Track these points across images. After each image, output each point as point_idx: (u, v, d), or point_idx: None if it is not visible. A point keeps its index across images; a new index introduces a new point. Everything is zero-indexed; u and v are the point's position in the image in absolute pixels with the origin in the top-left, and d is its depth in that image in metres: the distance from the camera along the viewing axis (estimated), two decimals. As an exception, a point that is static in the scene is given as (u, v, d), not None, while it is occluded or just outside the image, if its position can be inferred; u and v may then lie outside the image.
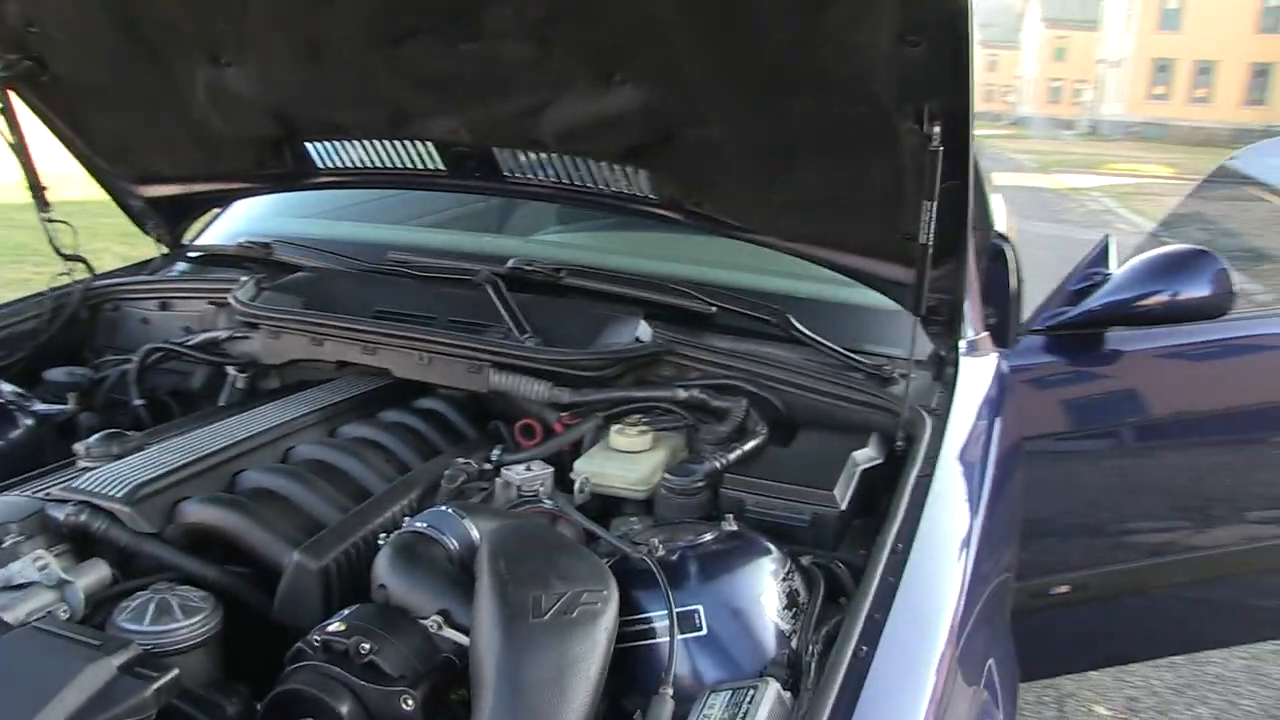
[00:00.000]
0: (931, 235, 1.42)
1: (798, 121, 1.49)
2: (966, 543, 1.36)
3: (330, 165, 1.99)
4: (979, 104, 1.34)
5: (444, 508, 1.27)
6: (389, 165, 1.94)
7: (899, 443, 1.56)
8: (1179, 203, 2.59)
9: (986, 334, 2.03)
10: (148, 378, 1.88)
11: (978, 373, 1.85)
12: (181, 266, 2.26)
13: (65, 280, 2.07)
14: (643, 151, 1.67)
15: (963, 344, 1.80)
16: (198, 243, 2.38)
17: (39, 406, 1.75)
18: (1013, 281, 3.01)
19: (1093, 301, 2.09)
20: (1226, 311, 2.00)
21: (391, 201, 2.61)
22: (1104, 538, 2.33)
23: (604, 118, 1.60)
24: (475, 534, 1.23)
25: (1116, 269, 2.18)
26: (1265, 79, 40.27)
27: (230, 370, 1.91)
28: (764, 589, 1.17)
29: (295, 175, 2.03)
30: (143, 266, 2.26)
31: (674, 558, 1.19)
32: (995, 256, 2.65)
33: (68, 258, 2.04)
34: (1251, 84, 40.83)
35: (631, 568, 1.18)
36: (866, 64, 1.31)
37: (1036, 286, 2.86)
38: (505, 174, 1.86)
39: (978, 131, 1.38)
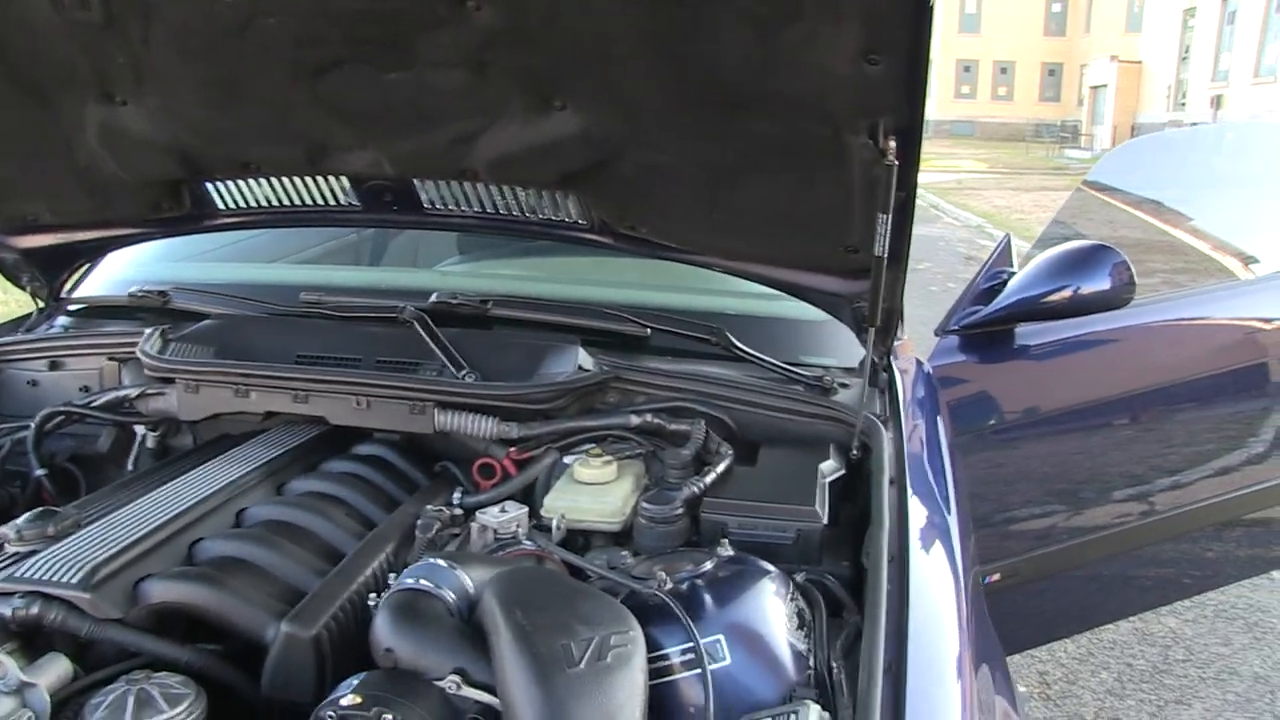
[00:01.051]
0: (887, 247, 1.44)
1: (745, 141, 1.47)
2: (950, 542, 1.39)
3: (231, 206, 1.86)
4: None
5: (433, 559, 1.21)
6: (296, 203, 1.83)
7: (854, 452, 1.58)
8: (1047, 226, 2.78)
9: (907, 338, 2.09)
10: (45, 444, 1.72)
11: (909, 376, 1.90)
12: (64, 321, 2.08)
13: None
14: (579, 177, 1.63)
15: None
16: (76, 294, 2.19)
17: (-68, 488, 1.58)
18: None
19: (1004, 300, 2.18)
20: (1127, 302, 2.12)
21: (257, 240, 2.45)
22: (1030, 524, 2.44)
23: (542, 145, 1.54)
24: (469, 584, 1.18)
25: (1018, 267, 2.28)
26: (1057, 77, 43.30)
27: (139, 429, 1.78)
28: (777, 612, 1.16)
29: (193, 218, 1.90)
30: (18, 324, 2.07)
31: (684, 588, 1.17)
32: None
33: None
34: (1045, 82, 43.79)
35: (643, 603, 1.15)
36: (823, 82, 1.30)
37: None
38: (425, 206, 1.79)
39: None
